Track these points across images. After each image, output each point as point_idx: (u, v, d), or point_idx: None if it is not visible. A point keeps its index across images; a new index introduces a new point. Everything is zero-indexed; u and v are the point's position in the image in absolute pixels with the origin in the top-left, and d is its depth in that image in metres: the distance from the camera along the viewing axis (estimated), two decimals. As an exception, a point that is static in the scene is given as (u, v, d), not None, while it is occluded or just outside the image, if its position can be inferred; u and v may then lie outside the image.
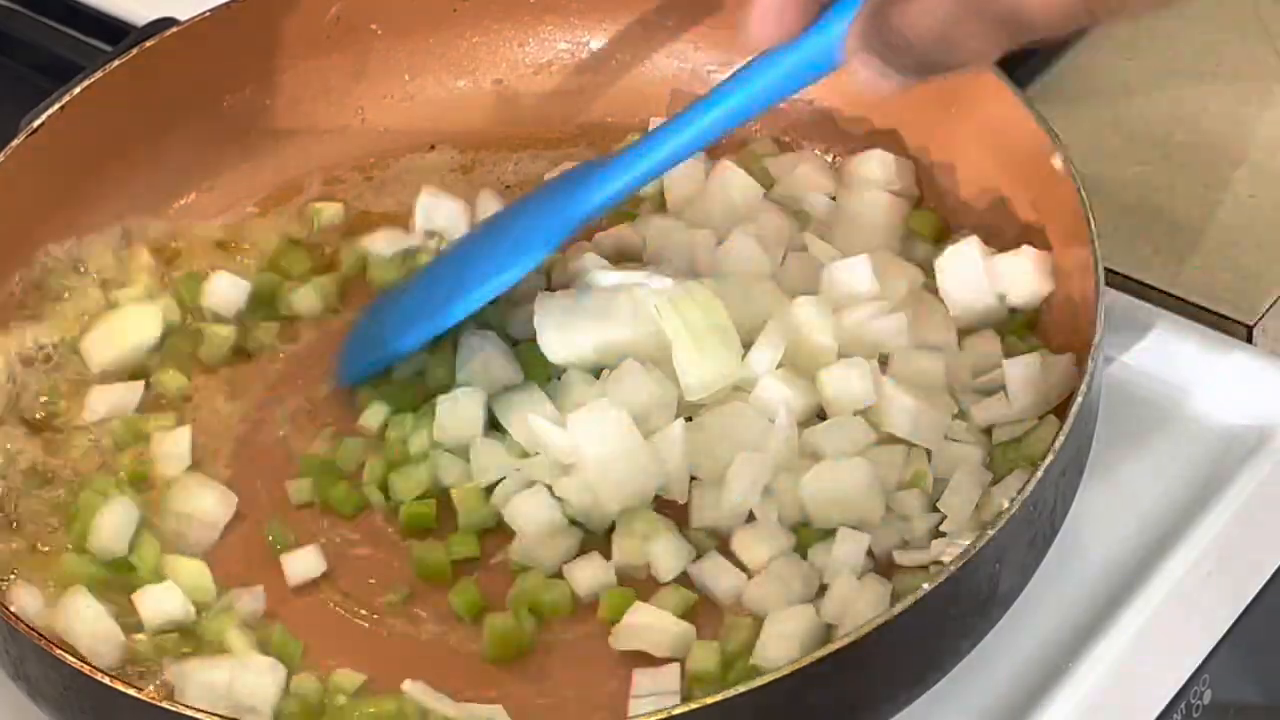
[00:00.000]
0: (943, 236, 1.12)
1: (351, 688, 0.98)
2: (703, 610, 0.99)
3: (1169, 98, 1.26)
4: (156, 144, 1.19)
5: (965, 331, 1.07)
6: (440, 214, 1.17)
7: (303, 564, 1.03)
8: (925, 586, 0.88)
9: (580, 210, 1.05)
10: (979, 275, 1.06)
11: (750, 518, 1.01)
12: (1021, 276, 1.06)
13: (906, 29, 0.87)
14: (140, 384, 1.11)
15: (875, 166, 1.13)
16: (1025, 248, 1.06)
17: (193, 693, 0.96)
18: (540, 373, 1.07)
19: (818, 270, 1.08)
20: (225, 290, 1.15)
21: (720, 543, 1.01)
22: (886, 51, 0.88)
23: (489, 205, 1.17)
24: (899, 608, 0.88)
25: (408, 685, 0.97)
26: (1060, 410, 0.98)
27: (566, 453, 1.02)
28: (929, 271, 1.08)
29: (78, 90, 1.15)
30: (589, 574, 1.01)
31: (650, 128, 1.13)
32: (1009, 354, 1.04)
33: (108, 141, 1.17)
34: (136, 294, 1.14)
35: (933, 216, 1.13)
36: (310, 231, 1.19)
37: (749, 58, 0.98)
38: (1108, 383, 1.05)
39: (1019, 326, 1.06)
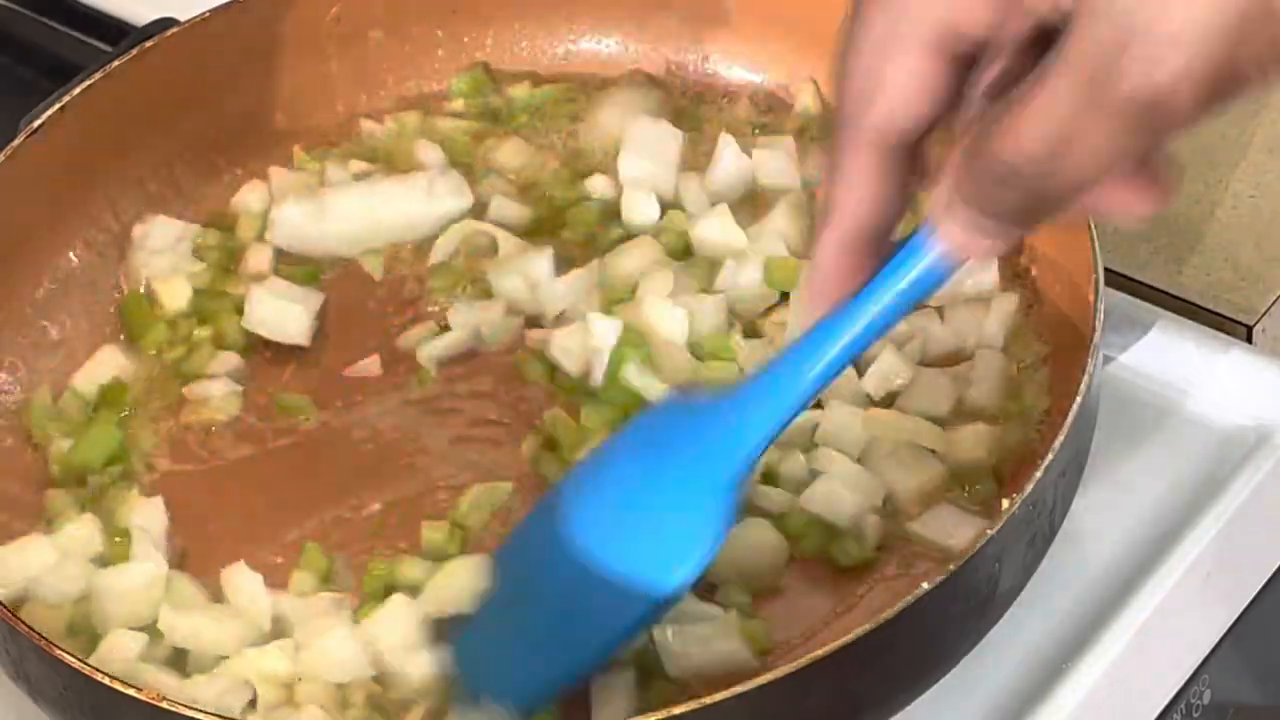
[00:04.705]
0: None
1: None
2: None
3: (1169, 98, 1.26)
4: (157, 144, 1.19)
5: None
6: None
7: None
8: (925, 586, 0.88)
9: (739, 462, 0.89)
10: None
11: None
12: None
13: (1011, 152, 0.74)
14: None
15: None
16: None
17: None
18: None
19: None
20: None
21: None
22: (987, 192, 0.75)
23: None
24: (898, 607, 0.88)
25: None
26: (1060, 410, 0.98)
27: None
28: None
29: (78, 90, 1.15)
30: None
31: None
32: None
33: (108, 142, 1.17)
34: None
35: None
36: None
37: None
38: (1107, 383, 1.05)
39: None
